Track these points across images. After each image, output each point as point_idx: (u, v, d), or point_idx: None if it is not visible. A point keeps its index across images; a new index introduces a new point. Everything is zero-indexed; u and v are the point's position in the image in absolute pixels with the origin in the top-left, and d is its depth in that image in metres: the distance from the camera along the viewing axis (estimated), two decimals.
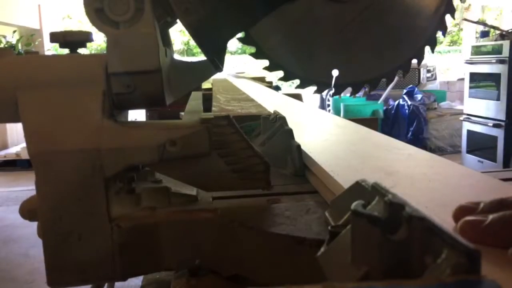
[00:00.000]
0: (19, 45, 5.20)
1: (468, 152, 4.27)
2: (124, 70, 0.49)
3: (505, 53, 3.63)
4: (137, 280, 0.59)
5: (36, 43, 5.41)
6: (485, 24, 4.45)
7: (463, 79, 4.40)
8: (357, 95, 4.01)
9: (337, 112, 4.51)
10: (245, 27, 0.62)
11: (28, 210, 0.50)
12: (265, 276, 0.47)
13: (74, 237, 0.48)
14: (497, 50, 3.72)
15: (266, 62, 0.84)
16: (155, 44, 0.50)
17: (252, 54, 0.83)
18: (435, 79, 6.21)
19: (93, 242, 0.48)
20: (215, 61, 0.56)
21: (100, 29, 0.50)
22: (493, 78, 3.80)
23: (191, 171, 0.53)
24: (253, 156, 0.54)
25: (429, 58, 5.97)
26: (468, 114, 4.22)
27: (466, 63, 4.14)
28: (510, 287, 0.30)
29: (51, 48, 5.48)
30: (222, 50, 0.57)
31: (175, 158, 0.50)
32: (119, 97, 0.50)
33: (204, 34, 0.53)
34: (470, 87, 4.14)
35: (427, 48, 0.77)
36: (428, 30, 0.70)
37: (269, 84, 2.67)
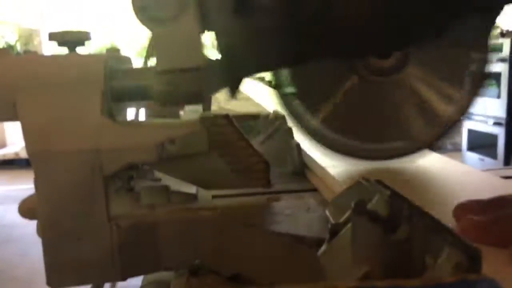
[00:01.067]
0: (18, 44, 5.19)
1: (468, 150, 4.27)
2: (169, 68, 0.50)
3: (506, 51, 3.62)
4: (137, 281, 0.59)
5: (35, 42, 5.40)
6: None
7: None
8: None
9: None
10: (274, 67, 0.62)
11: (27, 209, 0.50)
12: (265, 275, 0.47)
13: (74, 236, 0.48)
14: (497, 49, 3.72)
15: None
16: (199, 41, 0.50)
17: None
18: None
19: (92, 241, 0.48)
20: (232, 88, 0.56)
21: (145, 26, 0.50)
22: (494, 76, 3.80)
23: (190, 170, 0.52)
24: (252, 155, 0.54)
25: None
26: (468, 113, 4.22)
27: None
28: (510, 286, 0.29)
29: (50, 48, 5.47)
30: (239, 82, 0.56)
31: (174, 157, 0.50)
32: (161, 95, 0.50)
33: (232, 60, 0.53)
34: None
35: None
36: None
37: (269, 83, 2.66)
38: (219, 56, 0.53)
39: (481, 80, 0.66)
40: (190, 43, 0.50)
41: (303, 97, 0.67)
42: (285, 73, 0.68)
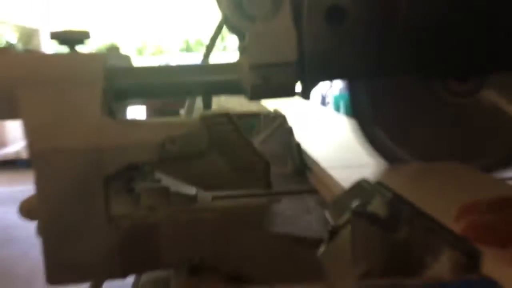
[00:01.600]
0: (18, 44, 5.19)
1: None
2: (263, 62, 0.51)
3: None
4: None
5: (35, 42, 5.40)
6: None
7: None
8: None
9: (337, 109, 4.51)
10: (353, 77, 0.63)
11: (27, 209, 0.50)
12: (265, 275, 0.47)
13: (74, 235, 0.48)
14: None
15: None
16: (293, 37, 0.51)
17: None
18: None
19: (92, 240, 0.48)
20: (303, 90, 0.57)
21: (238, 23, 0.51)
22: None
23: (190, 170, 0.53)
24: (252, 154, 0.54)
25: None
26: None
27: None
28: (510, 287, 0.29)
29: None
30: (315, 84, 0.57)
31: (174, 156, 0.50)
32: (254, 89, 0.52)
33: (314, 63, 0.54)
34: None
35: None
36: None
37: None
38: (301, 57, 0.54)
39: None
40: (284, 38, 0.51)
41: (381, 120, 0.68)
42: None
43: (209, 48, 0.84)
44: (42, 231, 0.48)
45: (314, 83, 0.57)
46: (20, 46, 5.16)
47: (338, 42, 0.54)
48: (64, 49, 0.54)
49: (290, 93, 0.54)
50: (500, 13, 0.55)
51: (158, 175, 0.54)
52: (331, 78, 0.61)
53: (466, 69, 0.59)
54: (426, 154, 0.66)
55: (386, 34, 0.54)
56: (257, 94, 0.53)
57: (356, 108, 0.69)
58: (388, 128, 0.68)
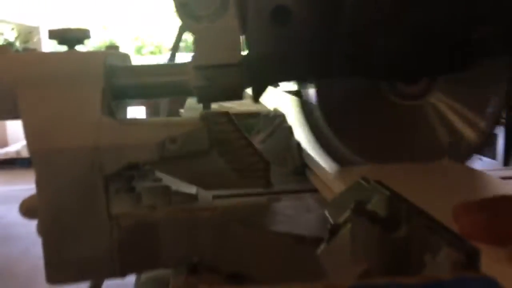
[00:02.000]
0: (17, 42, 5.18)
1: None
2: (207, 64, 0.51)
3: None
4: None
5: (35, 40, 5.39)
6: None
7: None
8: None
9: None
10: (302, 78, 0.63)
11: (27, 208, 0.50)
12: (265, 274, 0.47)
13: (74, 235, 0.48)
14: None
15: None
16: (238, 39, 0.51)
17: None
18: None
19: (92, 240, 0.48)
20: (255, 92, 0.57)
21: (185, 23, 0.51)
22: None
23: (191, 170, 0.53)
24: (253, 154, 0.54)
25: None
26: None
27: None
28: (509, 284, 0.30)
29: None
30: (265, 87, 0.57)
31: (174, 156, 0.50)
32: (198, 90, 0.52)
33: (261, 66, 0.54)
34: None
35: None
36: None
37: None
38: (249, 59, 0.54)
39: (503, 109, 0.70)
40: (230, 40, 0.51)
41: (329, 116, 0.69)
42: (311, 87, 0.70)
43: (174, 49, 0.84)
44: (42, 230, 0.48)
45: (263, 86, 0.57)
46: (18, 44, 5.14)
47: (284, 43, 0.53)
48: (63, 49, 0.54)
49: (237, 95, 0.54)
50: (444, 17, 0.55)
51: (158, 174, 0.54)
52: (278, 79, 0.60)
53: (411, 71, 0.60)
54: (374, 156, 0.67)
55: (331, 35, 0.53)
56: (203, 97, 0.53)
57: (306, 109, 0.70)
58: (338, 129, 0.68)
